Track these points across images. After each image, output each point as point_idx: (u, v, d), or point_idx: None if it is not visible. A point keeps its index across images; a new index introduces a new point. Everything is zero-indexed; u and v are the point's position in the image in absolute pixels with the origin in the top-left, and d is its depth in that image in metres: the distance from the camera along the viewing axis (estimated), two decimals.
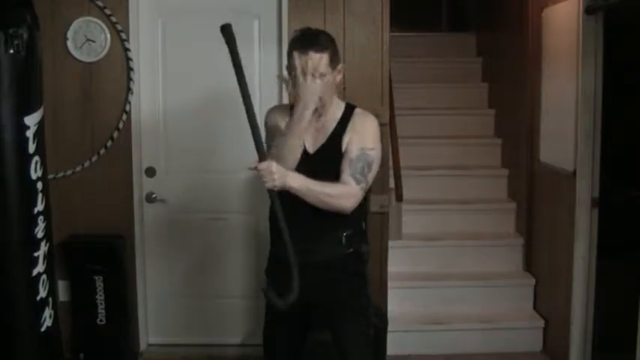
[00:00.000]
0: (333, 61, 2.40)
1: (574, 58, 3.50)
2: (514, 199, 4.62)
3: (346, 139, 2.45)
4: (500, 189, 4.76)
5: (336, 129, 2.48)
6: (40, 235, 2.56)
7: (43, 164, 2.60)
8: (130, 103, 3.67)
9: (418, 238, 4.37)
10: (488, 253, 4.38)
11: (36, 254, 2.55)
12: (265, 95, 3.60)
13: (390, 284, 3.80)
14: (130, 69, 3.65)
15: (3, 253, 2.49)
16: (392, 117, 3.95)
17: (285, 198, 2.29)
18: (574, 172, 3.54)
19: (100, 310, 3.62)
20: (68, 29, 3.59)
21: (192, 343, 3.88)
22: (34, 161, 2.53)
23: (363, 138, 2.45)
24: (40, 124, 2.57)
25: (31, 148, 2.52)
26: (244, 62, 2.25)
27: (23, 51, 2.43)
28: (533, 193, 4.28)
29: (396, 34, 4.17)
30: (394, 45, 3.77)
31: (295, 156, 2.39)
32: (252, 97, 2.27)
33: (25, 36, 2.43)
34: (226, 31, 2.22)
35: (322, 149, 2.47)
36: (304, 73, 2.35)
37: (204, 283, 3.88)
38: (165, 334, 3.92)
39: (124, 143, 3.69)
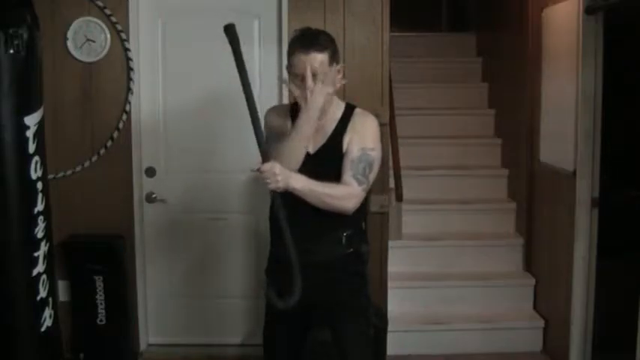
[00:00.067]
0: (333, 61, 2.40)
1: (574, 58, 3.50)
2: (514, 199, 4.62)
3: (346, 140, 2.45)
4: (500, 189, 4.76)
5: (336, 129, 2.48)
6: (40, 235, 2.57)
7: (43, 164, 2.60)
8: (130, 103, 3.67)
9: (418, 238, 4.37)
10: (488, 253, 4.38)
11: (36, 254, 2.55)
12: (265, 95, 3.60)
13: (390, 284, 3.80)
14: (130, 69, 3.65)
15: (3, 253, 2.49)
16: (392, 117, 3.95)
17: (286, 198, 2.29)
18: (574, 172, 3.54)
19: (100, 310, 3.62)
20: (68, 29, 3.59)
21: (192, 343, 3.88)
22: (34, 161, 2.53)
23: (364, 138, 2.45)
24: (40, 124, 2.57)
25: (31, 148, 2.52)
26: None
27: (23, 51, 2.43)
28: (533, 193, 4.28)
29: (396, 34, 4.17)
30: (394, 45, 3.77)
31: (298, 158, 2.39)
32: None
33: (25, 36, 2.43)
34: (230, 31, 2.21)
35: (323, 149, 2.46)
36: (305, 74, 2.35)
37: (204, 283, 3.88)
38: (165, 334, 3.92)
39: (124, 143, 3.69)
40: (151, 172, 3.81)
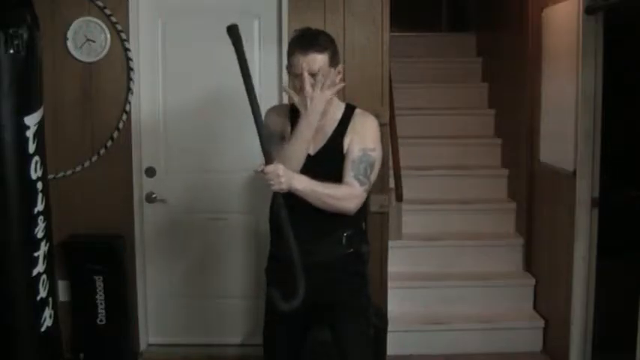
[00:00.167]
0: (333, 62, 2.40)
1: (574, 58, 3.50)
2: (514, 199, 4.62)
3: (347, 140, 2.45)
4: (500, 189, 4.76)
5: (336, 130, 2.48)
6: (40, 235, 2.56)
7: (43, 164, 2.60)
8: (130, 103, 3.67)
9: (418, 238, 4.37)
10: (488, 253, 4.38)
11: (36, 254, 2.55)
12: (265, 95, 3.60)
13: (390, 284, 3.80)
14: (130, 69, 3.65)
15: (3, 253, 2.49)
16: (392, 117, 3.95)
17: (286, 198, 2.29)
18: (574, 172, 3.54)
19: (100, 310, 3.62)
20: (68, 29, 3.59)
21: (192, 343, 3.88)
22: (34, 161, 2.53)
23: (364, 139, 2.45)
24: (40, 124, 2.57)
25: (31, 148, 2.52)
26: None
27: (23, 51, 2.43)
28: (533, 193, 4.28)
29: (396, 34, 4.17)
30: (394, 45, 3.77)
31: (300, 160, 2.39)
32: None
33: (25, 36, 2.43)
34: (233, 32, 2.20)
35: (323, 150, 2.46)
36: (304, 74, 2.34)
37: (204, 283, 3.88)
38: (166, 334, 3.92)
39: (124, 143, 3.69)
40: (151, 172, 3.81)
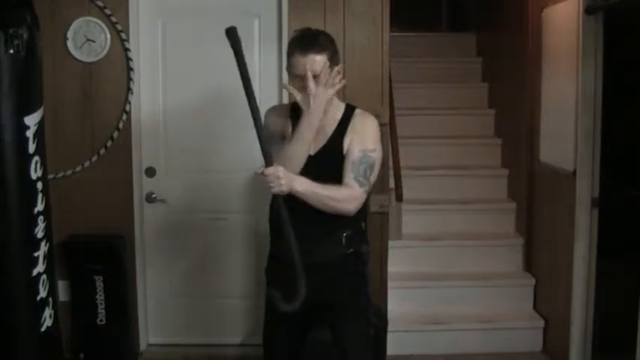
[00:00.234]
0: (333, 62, 2.40)
1: (574, 58, 3.50)
2: (514, 199, 4.62)
3: (347, 141, 2.45)
4: (500, 189, 4.76)
5: (336, 130, 2.48)
6: (40, 235, 2.56)
7: (43, 164, 2.60)
8: (130, 103, 3.67)
9: (418, 238, 4.37)
10: (488, 253, 4.37)
11: (36, 254, 2.55)
12: (265, 95, 3.60)
13: (390, 284, 3.80)
14: (130, 69, 3.65)
15: (3, 253, 2.49)
16: (392, 117, 3.95)
17: (286, 199, 2.29)
18: (574, 172, 3.54)
19: (100, 310, 3.62)
20: (68, 29, 3.59)
21: (192, 343, 3.88)
22: (34, 161, 2.53)
23: (364, 139, 2.45)
24: (40, 124, 2.57)
25: (31, 148, 2.52)
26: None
27: (23, 51, 2.43)
28: (533, 193, 4.28)
29: (396, 34, 4.17)
30: (394, 45, 3.77)
31: (301, 161, 2.39)
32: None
33: (25, 36, 2.43)
34: (231, 34, 2.19)
35: (323, 151, 2.46)
36: (305, 75, 2.34)
37: (204, 283, 3.88)
38: (166, 334, 3.92)
39: (124, 143, 3.69)
40: (151, 172, 3.81)
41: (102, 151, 3.68)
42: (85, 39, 3.61)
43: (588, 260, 3.53)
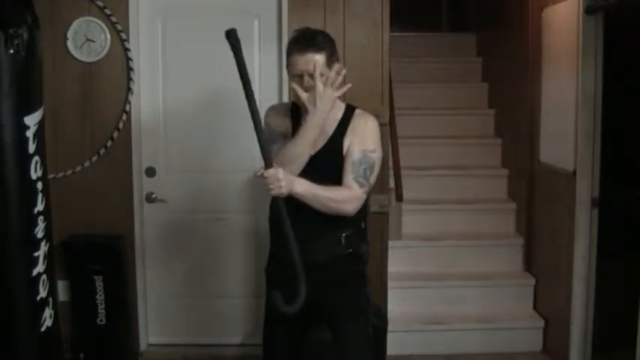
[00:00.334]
0: (331, 61, 2.40)
1: (574, 58, 3.50)
2: (514, 199, 4.62)
3: (347, 141, 2.45)
4: (500, 189, 4.76)
5: (336, 130, 2.48)
6: (40, 235, 2.56)
7: (43, 164, 2.59)
8: (130, 103, 3.67)
9: (418, 238, 4.37)
10: (488, 253, 4.38)
11: (36, 254, 2.55)
12: (265, 95, 3.60)
13: (390, 284, 3.80)
14: (130, 69, 3.65)
15: (3, 253, 2.49)
16: (392, 117, 3.95)
17: (286, 199, 2.29)
18: (574, 172, 3.54)
19: (100, 310, 3.62)
20: (68, 29, 3.59)
21: (192, 343, 3.88)
22: (34, 161, 2.53)
23: (364, 140, 2.45)
24: (40, 124, 2.57)
25: (31, 148, 2.52)
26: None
27: (23, 51, 2.43)
28: (533, 193, 4.28)
29: (396, 34, 4.17)
30: (394, 45, 3.77)
31: (302, 162, 2.40)
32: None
33: (25, 36, 2.43)
34: (231, 36, 2.19)
35: (323, 151, 2.46)
36: (315, 74, 2.34)
37: (204, 283, 3.88)
38: (166, 334, 3.92)
39: (124, 143, 3.69)
40: (151, 172, 3.81)
41: (102, 151, 3.68)
42: (85, 39, 3.61)
43: (588, 260, 3.53)
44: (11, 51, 2.40)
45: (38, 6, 2.62)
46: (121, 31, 3.61)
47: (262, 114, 2.45)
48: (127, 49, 3.63)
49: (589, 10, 3.38)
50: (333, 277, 2.50)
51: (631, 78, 3.88)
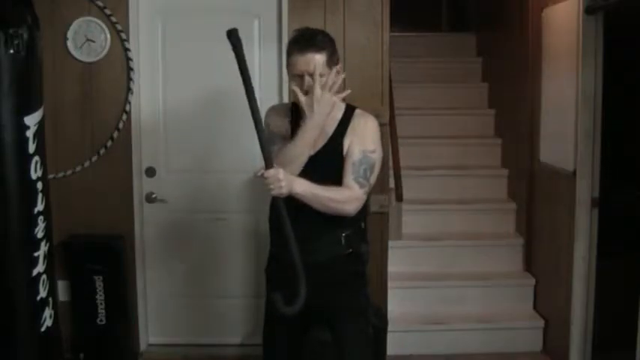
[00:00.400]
0: (331, 61, 2.40)
1: (574, 58, 3.50)
2: (514, 199, 4.62)
3: (347, 142, 2.45)
4: (500, 189, 4.76)
5: (336, 131, 2.47)
6: (40, 235, 2.56)
7: (43, 164, 2.59)
8: (130, 103, 3.67)
9: (418, 238, 4.37)
10: (488, 253, 4.38)
11: (36, 254, 2.55)
12: (265, 95, 3.60)
13: (390, 284, 3.80)
14: (130, 69, 3.65)
15: (3, 253, 2.49)
16: (392, 117, 3.95)
17: (286, 199, 2.29)
18: (574, 172, 3.54)
19: (100, 310, 3.62)
20: (68, 29, 3.59)
21: (192, 343, 3.88)
22: (34, 161, 2.53)
23: (364, 140, 2.44)
24: (40, 124, 2.57)
25: (31, 148, 2.52)
26: None
27: (23, 51, 2.43)
28: (533, 193, 4.28)
29: (396, 34, 4.17)
30: (394, 45, 3.77)
31: (301, 163, 2.39)
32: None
33: (25, 36, 2.43)
34: (233, 36, 2.19)
35: (322, 151, 2.46)
36: (315, 75, 2.34)
37: (204, 283, 3.88)
38: (166, 334, 3.92)
39: (124, 143, 3.69)
40: (151, 172, 3.81)
41: (102, 151, 3.68)
42: (85, 39, 3.61)
43: (588, 260, 3.53)
44: (11, 51, 2.40)
45: (38, 6, 2.62)
46: (121, 31, 3.61)
47: (262, 114, 2.45)
48: (127, 49, 3.63)
49: (589, 10, 3.38)
50: (333, 277, 2.50)
51: (631, 78, 3.88)
